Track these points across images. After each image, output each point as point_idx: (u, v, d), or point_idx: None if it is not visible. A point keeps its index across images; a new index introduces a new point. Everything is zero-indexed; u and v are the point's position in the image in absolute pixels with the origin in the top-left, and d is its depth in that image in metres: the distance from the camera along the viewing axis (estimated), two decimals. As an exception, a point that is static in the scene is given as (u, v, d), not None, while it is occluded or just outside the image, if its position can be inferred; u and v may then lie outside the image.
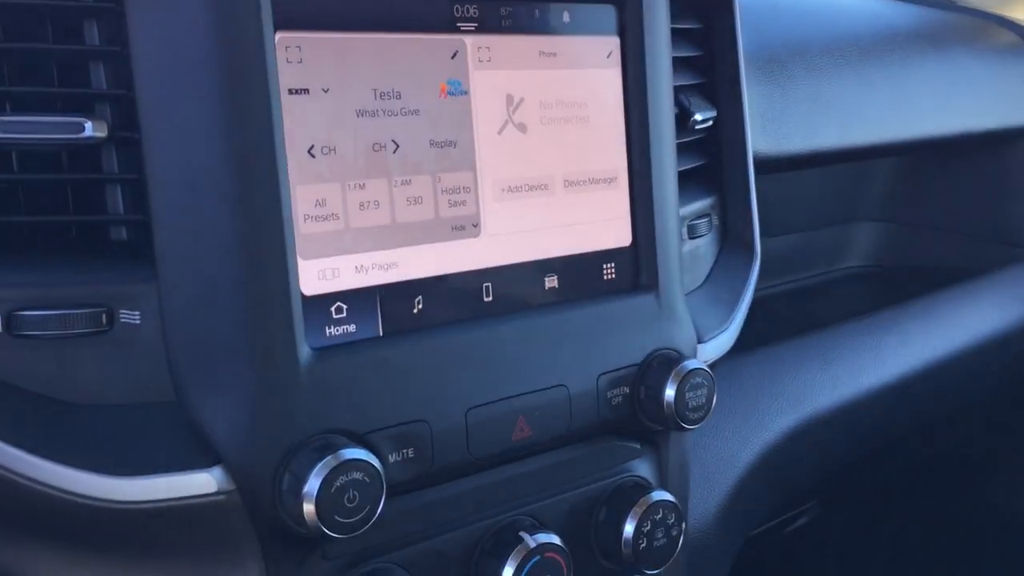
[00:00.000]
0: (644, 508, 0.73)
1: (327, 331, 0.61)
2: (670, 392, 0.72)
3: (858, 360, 1.11)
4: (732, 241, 0.91)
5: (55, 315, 0.55)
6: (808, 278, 1.55)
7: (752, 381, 1.01)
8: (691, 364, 0.73)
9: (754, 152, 0.91)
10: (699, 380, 0.74)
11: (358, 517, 0.57)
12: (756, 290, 0.88)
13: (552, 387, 0.69)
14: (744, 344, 0.90)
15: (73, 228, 0.59)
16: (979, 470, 1.54)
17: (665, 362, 0.73)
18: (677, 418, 0.73)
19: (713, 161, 0.91)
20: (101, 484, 0.54)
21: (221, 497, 0.57)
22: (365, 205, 0.62)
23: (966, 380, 1.25)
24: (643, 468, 0.78)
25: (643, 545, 0.73)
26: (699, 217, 0.88)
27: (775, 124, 1.05)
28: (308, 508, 0.56)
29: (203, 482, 0.56)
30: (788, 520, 1.28)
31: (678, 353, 0.75)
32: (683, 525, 0.75)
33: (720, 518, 0.91)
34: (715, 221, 0.90)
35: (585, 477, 0.74)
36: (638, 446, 0.77)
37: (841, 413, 1.06)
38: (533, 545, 0.67)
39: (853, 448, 1.12)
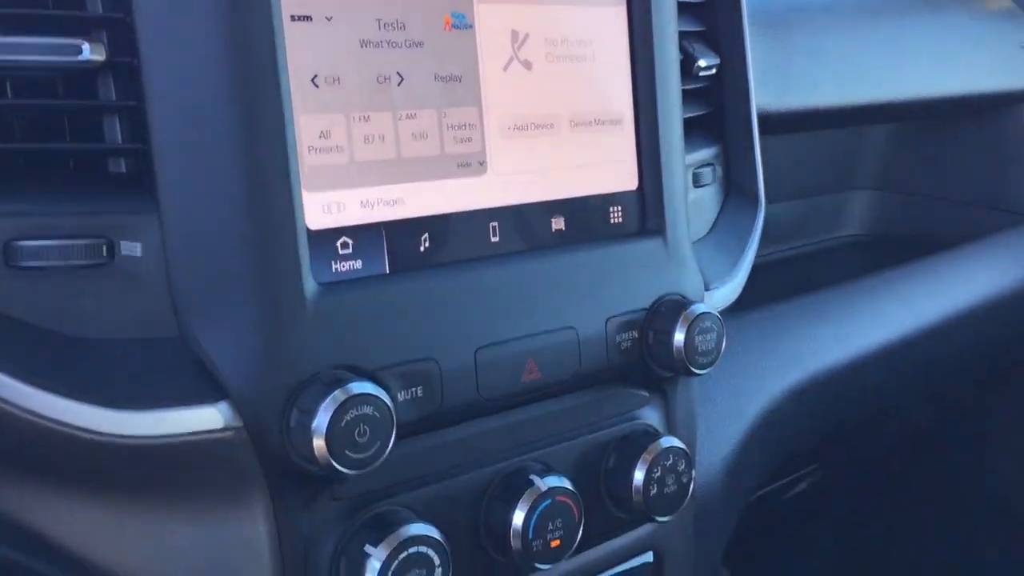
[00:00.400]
0: (654, 455, 0.72)
1: (333, 267, 0.59)
2: (679, 336, 0.71)
3: (860, 320, 1.10)
4: (736, 191, 0.90)
5: (53, 245, 0.53)
6: (805, 246, 1.55)
7: (754, 339, 1.00)
8: (700, 308, 0.72)
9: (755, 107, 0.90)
10: (708, 324, 0.72)
11: (369, 452, 0.55)
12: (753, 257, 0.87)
13: (561, 329, 0.68)
14: (744, 305, 0.89)
15: (70, 160, 0.57)
16: (979, 439, 1.54)
17: (674, 306, 0.72)
18: (687, 363, 0.72)
19: (716, 111, 0.89)
20: (105, 418, 0.52)
21: (228, 434, 0.55)
22: (370, 138, 0.60)
23: (966, 342, 1.25)
24: (651, 416, 0.77)
25: (653, 492, 0.72)
26: (703, 166, 0.87)
27: (775, 79, 1.03)
28: (318, 443, 0.54)
29: (209, 417, 0.55)
30: (788, 486, 1.28)
31: (686, 298, 0.74)
32: (693, 472, 0.74)
33: (726, 473, 0.90)
34: (719, 172, 0.89)
35: (594, 424, 0.72)
36: (646, 394, 0.76)
37: (843, 372, 1.05)
38: (544, 488, 0.66)
39: (855, 409, 1.11)
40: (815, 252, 1.54)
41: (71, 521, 0.56)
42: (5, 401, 0.51)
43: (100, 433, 0.52)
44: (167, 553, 0.57)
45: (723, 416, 0.91)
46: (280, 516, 0.58)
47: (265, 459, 0.57)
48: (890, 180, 1.57)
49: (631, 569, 0.77)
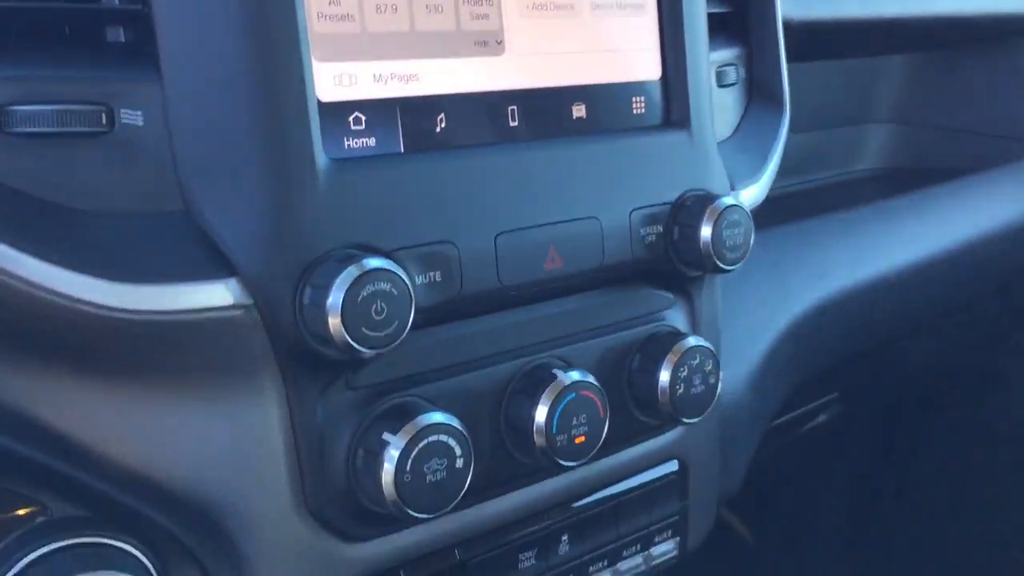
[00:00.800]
0: (680, 354, 0.69)
1: (345, 143, 0.56)
2: (707, 230, 0.68)
3: (881, 239, 1.07)
4: (760, 95, 0.86)
5: (50, 111, 0.50)
6: (820, 180, 1.51)
7: (777, 254, 0.97)
8: (728, 200, 0.69)
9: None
10: (736, 218, 0.69)
11: (388, 331, 0.53)
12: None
13: (584, 219, 0.65)
14: (764, 224, 0.86)
15: (66, 26, 0.54)
16: (996, 375, 1.51)
17: (700, 200, 0.69)
18: (715, 258, 0.69)
19: (739, 11, 0.86)
20: (112, 291, 0.49)
21: (237, 312, 0.53)
22: (382, 8, 0.57)
23: (987, 266, 1.22)
24: (676, 319, 0.74)
25: (680, 391, 0.69)
26: (725, 66, 0.83)
27: (798, -14, 1.00)
28: (333, 321, 0.51)
29: (218, 294, 0.52)
30: (807, 416, 1.25)
31: (712, 193, 0.71)
32: (720, 373, 0.72)
33: (751, 387, 0.88)
34: (742, 73, 0.86)
35: (617, 324, 0.70)
36: (671, 296, 0.73)
37: (867, 290, 1.02)
38: (568, 382, 0.63)
39: (878, 329, 1.09)
40: (831, 186, 1.51)
41: (72, 408, 0.54)
42: (5, 273, 0.48)
43: (105, 307, 0.49)
44: (174, 441, 0.54)
45: (747, 329, 0.88)
46: (293, 404, 0.55)
47: (277, 341, 0.54)
48: (908, 113, 1.53)
49: (655, 479, 0.75)
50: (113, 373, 0.54)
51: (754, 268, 0.93)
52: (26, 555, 0.50)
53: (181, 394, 0.54)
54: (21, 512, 0.51)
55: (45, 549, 0.50)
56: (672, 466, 0.76)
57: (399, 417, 0.56)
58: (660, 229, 0.69)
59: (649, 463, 0.74)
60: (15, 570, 0.49)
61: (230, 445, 0.55)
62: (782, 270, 0.96)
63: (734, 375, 0.86)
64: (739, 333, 0.88)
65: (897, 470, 1.57)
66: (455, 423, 0.57)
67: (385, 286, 0.52)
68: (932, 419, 1.56)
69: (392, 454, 0.55)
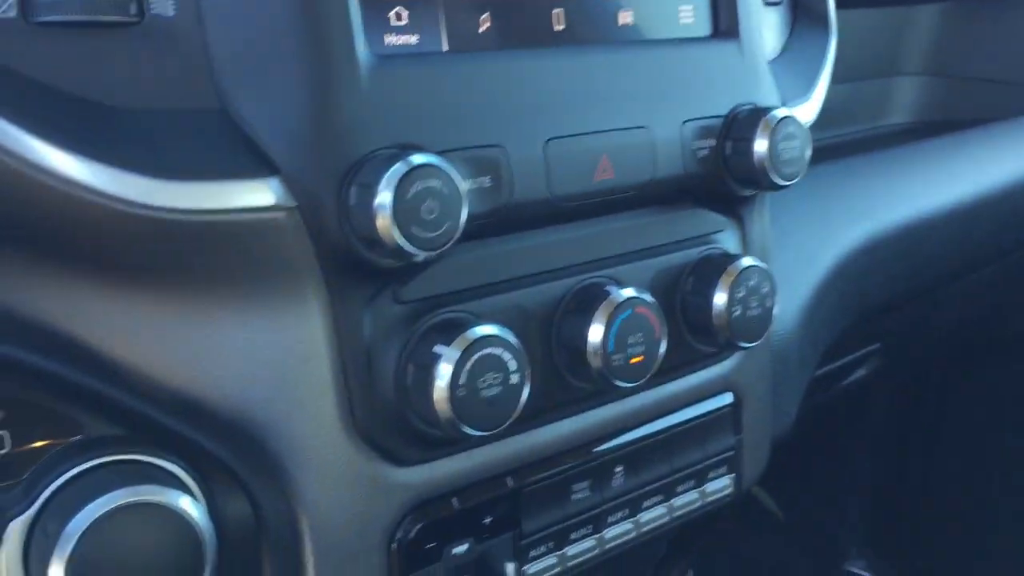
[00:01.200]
0: (736, 274, 0.66)
1: (386, 40, 0.53)
2: (761, 144, 0.65)
3: (932, 178, 1.04)
4: (806, 15, 0.83)
5: None
6: (850, 134, 1.48)
7: (823, 190, 0.94)
8: (782, 112, 0.66)
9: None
10: (792, 130, 0.66)
11: (439, 231, 0.49)
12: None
13: (635, 128, 0.61)
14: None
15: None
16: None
17: (753, 113, 0.66)
18: (770, 172, 0.65)
19: (782, -71, 0.82)
20: (148, 187, 0.46)
21: (280, 215, 0.49)
22: (423, -102, 0.54)
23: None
24: (727, 242, 0.70)
25: (736, 314, 0.66)
26: (771, -16, 0.80)
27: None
28: (383, 220, 0.48)
29: (259, 193, 0.49)
30: (849, 368, 1.22)
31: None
32: (776, 297, 0.68)
33: (801, 323, 0.84)
34: (787, -7, 0.82)
35: (668, 243, 0.66)
36: (723, 218, 0.70)
37: (914, 229, 0.99)
38: (623, 299, 0.60)
39: (922, 272, 1.05)
40: (862, 139, 1.47)
41: (106, 323, 0.50)
42: (35, 167, 0.45)
43: (141, 206, 0.46)
44: (214, 356, 0.51)
45: (796, 262, 0.85)
46: (339, 316, 0.52)
47: (322, 247, 0.51)
48: (940, 64, 1.49)
49: (710, 412, 0.72)
50: (149, 285, 0.50)
51: (798, 203, 0.90)
52: (63, 473, 0.47)
53: (221, 307, 0.51)
54: (56, 431, 0.48)
55: (85, 466, 0.47)
56: (726, 398, 0.72)
57: (450, 330, 0.53)
58: (712, 143, 0.65)
59: (702, 394, 0.71)
60: (52, 487, 0.47)
61: (273, 360, 0.52)
62: (827, 206, 0.93)
63: (784, 310, 0.82)
64: (788, 266, 0.84)
65: (930, 434, 1.53)
66: (510, 336, 0.54)
67: (436, 183, 0.49)
68: (970, 379, 1.52)
69: (445, 367, 0.52)
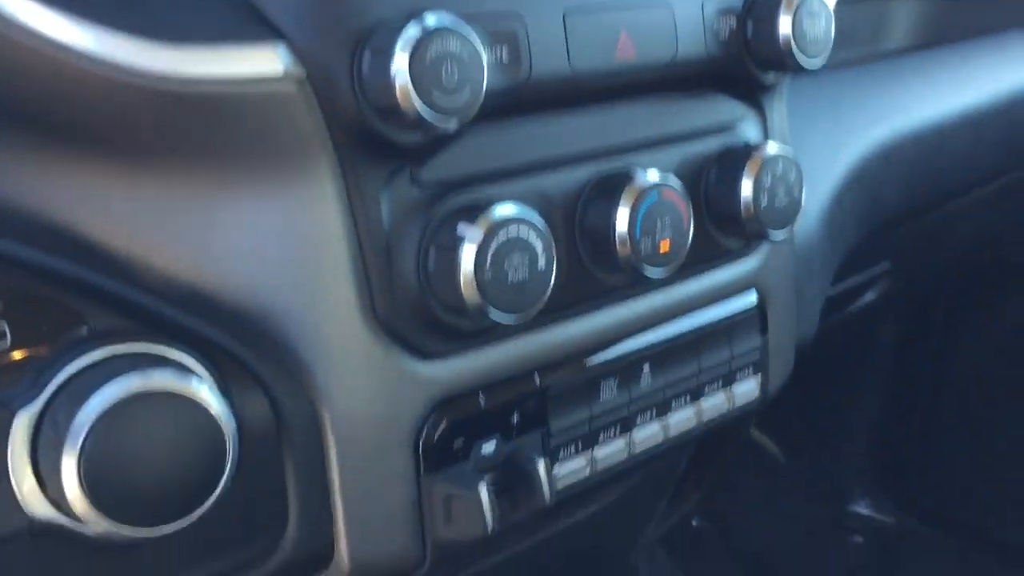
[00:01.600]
0: (762, 162, 0.63)
1: (395, -99, 0.50)
2: (785, 21, 0.62)
3: (948, 83, 1.02)
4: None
5: None
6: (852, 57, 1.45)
7: (835, 95, 0.91)
8: (804, -10, 0.63)
9: None
10: (816, 7, 0.63)
11: (460, 97, 0.46)
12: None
13: (656, 5, 0.58)
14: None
15: None
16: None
17: (774, -8, 0.63)
18: (795, 51, 0.62)
19: None
20: (141, 51, 0.43)
21: (289, 86, 0.46)
22: None
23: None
24: (749, 131, 0.68)
25: (764, 203, 0.63)
26: None
27: None
28: (400, 86, 0.45)
29: (266, 60, 0.45)
30: (859, 291, 1.19)
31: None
32: (803, 185, 0.66)
33: (822, 225, 0.82)
34: None
35: (690, 130, 0.63)
36: (745, 106, 0.67)
37: (930, 135, 0.97)
38: (649, 183, 0.57)
39: (938, 181, 1.03)
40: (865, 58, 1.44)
41: (106, 210, 0.47)
42: (21, 29, 0.41)
43: (137, 73, 0.43)
44: (223, 242, 0.48)
45: (815, 165, 0.82)
46: (354, 196, 0.49)
47: (334, 120, 0.47)
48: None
49: (734, 314, 0.69)
50: (149, 168, 0.47)
51: (812, 108, 0.87)
52: (71, 361, 0.44)
53: (227, 191, 0.48)
54: (60, 323, 0.45)
55: (95, 355, 0.44)
56: (751, 296, 0.70)
57: (473, 211, 0.50)
58: (734, 23, 0.62)
59: (727, 291, 0.68)
60: (60, 378, 0.43)
61: (285, 247, 0.49)
62: (840, 111, 0.90)
63: (806, 210, 0.79)
64: (807, 168, 0.82)
65: (938, 370, 1.52)
66: (536, 218, 0.51)
67: (454, 47, 0.46)
68: (979, 310, 1.50)
69: (469, 249, 0.49)
